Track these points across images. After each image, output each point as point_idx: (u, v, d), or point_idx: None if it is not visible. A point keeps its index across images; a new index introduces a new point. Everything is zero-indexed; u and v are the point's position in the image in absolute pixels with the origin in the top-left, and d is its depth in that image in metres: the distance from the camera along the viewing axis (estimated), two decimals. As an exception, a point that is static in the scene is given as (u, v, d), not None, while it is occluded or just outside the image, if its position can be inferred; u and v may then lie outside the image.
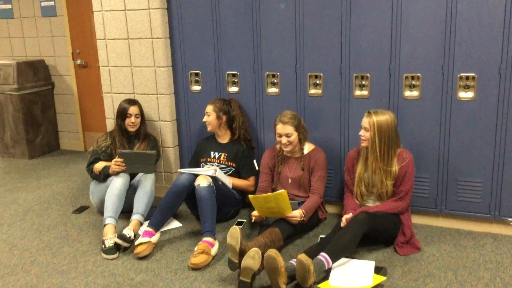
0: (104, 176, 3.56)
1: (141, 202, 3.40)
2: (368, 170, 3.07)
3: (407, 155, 3.00)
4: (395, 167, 2.97)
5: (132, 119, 3.66)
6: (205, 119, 3.65)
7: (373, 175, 3.04)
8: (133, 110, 3.67)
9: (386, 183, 2.99)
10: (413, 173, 3.00)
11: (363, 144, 3.02)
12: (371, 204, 3.11)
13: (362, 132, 3.01)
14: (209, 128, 3.67)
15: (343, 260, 2.82)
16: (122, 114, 3.67)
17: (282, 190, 2.97)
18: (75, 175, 4.87)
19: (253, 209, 3.22)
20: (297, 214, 3.08)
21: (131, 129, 3.69)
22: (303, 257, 2.57)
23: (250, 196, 3.07)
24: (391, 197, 3.03)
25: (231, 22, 3.65)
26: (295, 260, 2.70)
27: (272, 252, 2.55)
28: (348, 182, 3.22)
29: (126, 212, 3.51)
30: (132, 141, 3.74)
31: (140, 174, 3.59)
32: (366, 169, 3.09)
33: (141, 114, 3.74)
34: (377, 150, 2.95)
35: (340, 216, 3.22)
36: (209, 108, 3.62)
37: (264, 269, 2.61)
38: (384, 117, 2.94)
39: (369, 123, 2.94)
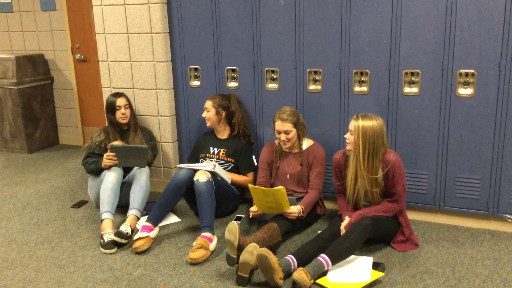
0: (97, 170, 3.56)
1: (136, 197, 3.40)
2: (352, 175, 3.02)
3: (391, 158, 2.89)
4: (380, 175, 2.90)
5: (122, 110, 3.66)
6: (204, 114, 3.64)
7: (362, 181, 2.94)
8: (120, 101, 3.67)
9: (373, 191, 2.93)
10: (401, 174, 2.91)
11: (348, 147, 2.97)
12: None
13: (347, 135, 2.96)
14: (208, 124, 3.67)
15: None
16: (110, 108, 3.67)
17: (280, 187, 2.96)
18: (74, 169, 4.87)
19: (251, 205, 3.22)
20: (295, 210, 3.08)
21: (122, 121, 3.69)
22: (299, 276, 2.54)
23: (250, 185, 3.07)
24: (384, 198, 2.99)
25: (231, 17, 3.64)
26: (290, 256, 2.72)
27: (263, 251, 2.55)
28: (339, 187, 3.18)
29: (122, 207, 3.51)
30: (126, 135, 3.74)
31: (135, 168, 3.59)
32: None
33: (130, 105, 3.75)
34: (360, 156, 2.87)
35: (338, 212, 3.21)
36: (208, 104, 3.62)
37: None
38: (371, 122, 2.86)
39: (354, 127, 2.88)
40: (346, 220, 2.93)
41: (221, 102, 3.61)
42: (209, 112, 3.62)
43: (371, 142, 2.85)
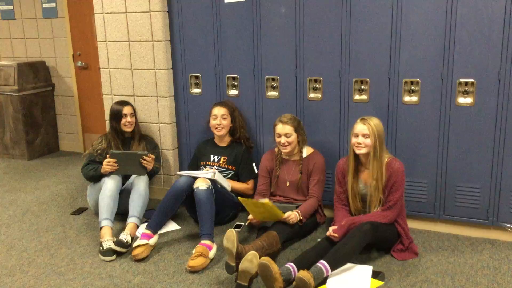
0: (96, 177, 3.56)
1: (136, 204, 3.39)
2: (361, 181, 3.04)
3: (398, 165, 2.92)
4: (384, 175, 2.91)
5: (128, 118, 3.68)
6: (218, 121, 3.59)
7: (370, 185, 2.96)
8: (127, 110, 3.69)
9: (379, 196, 2.94)
10: (402, 183, 2.93)
11: (362, 151, 2.92)
12: None
13: (360, 140, 2.91)
14: (222, 132, 3.63)
15: (341, 264, 2.82)
16: (116, 115, 3.67)
17: (266, 201, 2.96)
18: (74, 176, 4.87)
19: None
20: (292, 216, 3.07)
21: (127, 129, 3.70)
22: (303, 275, 2.54)
23: (240, 198, 3.08)
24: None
25: (232, 25, 3.65)
26: (290, 264, 2.71)
27: (265, 260, 2.55)
28: (341, 195, 3.15)
29: (121, 214, 3.51)
30: (128, 143, 3.74)
31: (133, 176, 3.58)
32: (358, 181, 3.05)
33: (135, 114, 3.77)
34: (378, 157, 2.89)
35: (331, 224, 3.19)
36: (226, 111, 3.60)
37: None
38: (376, 121, 2.93)
39: (369, 130, 2.88)
40: (335, 226, 2.93)
41: (233, 109, 3.62)
42: (226, 119, 3.61)
43: (382, 140, 2.91)
